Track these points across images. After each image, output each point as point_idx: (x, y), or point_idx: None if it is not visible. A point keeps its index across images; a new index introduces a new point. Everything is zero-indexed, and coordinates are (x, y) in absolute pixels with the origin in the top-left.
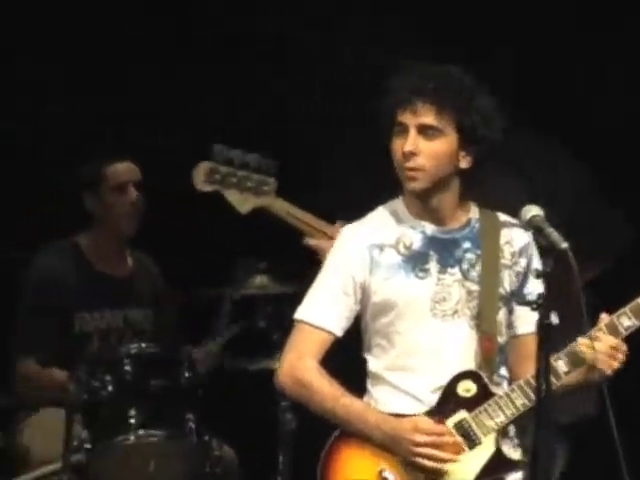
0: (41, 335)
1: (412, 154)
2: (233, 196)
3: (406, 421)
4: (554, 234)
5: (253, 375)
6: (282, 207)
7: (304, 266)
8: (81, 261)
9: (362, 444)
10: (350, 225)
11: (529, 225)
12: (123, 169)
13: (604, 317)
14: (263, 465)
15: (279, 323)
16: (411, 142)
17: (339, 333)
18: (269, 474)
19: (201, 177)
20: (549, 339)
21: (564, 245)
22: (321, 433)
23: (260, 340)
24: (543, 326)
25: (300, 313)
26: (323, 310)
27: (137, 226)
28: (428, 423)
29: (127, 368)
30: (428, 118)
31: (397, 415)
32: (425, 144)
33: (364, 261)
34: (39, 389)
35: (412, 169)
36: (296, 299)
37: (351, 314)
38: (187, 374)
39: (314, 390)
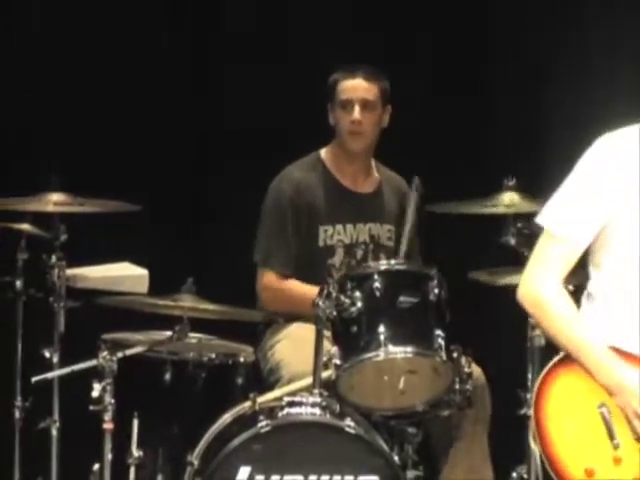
0: (284, 248)
1: None
2: None
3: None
4: None
5: (502, 291)
6: None
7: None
8: (326, 175)
9: (585, 375)
10: (607, 135)
11: None
12: (349, 86)
13: None
14: (511, 382)
15: (529, 240)
16: None
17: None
18: (518, 391)
19: None
20: None
21: None
22: None
23: (510, 257)
24: None
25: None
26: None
27: (365, 144)
28: None
29: (377, 285)
30: None
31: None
32: None
33: (617, 185)
34: (286, 302)
35: None
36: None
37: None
38: (436, 290)
39: (548, 313)
